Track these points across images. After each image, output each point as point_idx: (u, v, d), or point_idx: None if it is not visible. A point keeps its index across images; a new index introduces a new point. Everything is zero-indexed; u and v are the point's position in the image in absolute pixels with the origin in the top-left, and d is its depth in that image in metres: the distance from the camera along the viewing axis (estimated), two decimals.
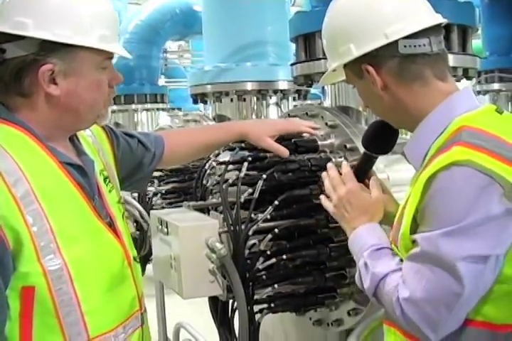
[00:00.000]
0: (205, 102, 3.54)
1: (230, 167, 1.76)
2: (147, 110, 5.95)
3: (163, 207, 2.74)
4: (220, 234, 1.63)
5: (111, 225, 1.35)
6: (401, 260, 1.26)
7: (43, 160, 1.24)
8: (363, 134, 1.52)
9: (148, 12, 5.84)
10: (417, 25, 1.26)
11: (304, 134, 1.86)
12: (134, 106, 5.83)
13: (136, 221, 2.68)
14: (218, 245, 1.57)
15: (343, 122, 1.85)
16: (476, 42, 2.22)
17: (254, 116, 3.31)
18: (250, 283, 1.65)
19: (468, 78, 2.01)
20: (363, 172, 1.47)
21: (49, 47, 1.22)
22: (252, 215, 1.66)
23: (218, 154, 1.91)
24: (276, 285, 1.71)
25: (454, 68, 1.87)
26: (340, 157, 1.80)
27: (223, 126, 2.07)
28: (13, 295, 1.17)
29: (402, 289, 1.18)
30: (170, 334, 3.08)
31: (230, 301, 1.75)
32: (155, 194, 2.85)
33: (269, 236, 1.66)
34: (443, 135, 1.22)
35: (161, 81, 7.23)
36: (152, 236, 1.83)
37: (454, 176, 1.11)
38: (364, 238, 1.36)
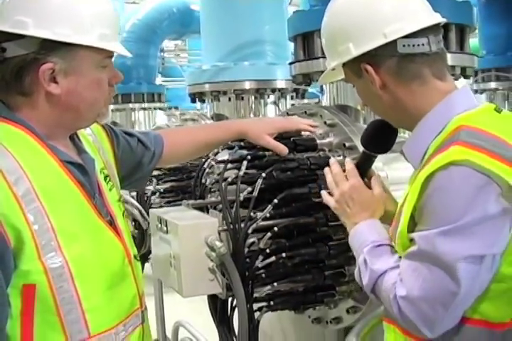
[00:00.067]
0: (203, 101, 3.55)
1: (229, 165, 1.77)
2: (144, 109, 5.97)
3: (161, 206, 2.74)
4: (219, 233, 1.63)
5: (111, 223, 1.36)
6: (400, 257, 1.27)
7: (43, 158, 1.25)
8: (362, 133, 1.52)
9: (146, 11, 5.85)
10: (415, 24, 1.27)
11: (303, 133, 1.86)
12: (131, 105, 5.85)
13: (134, 220, 2.68)
14: (218, 243, 1.57)
15: (342, 121, 1.85)
16: (473, 41, 2.23)
17: (252, 115, 3.32)
18: (250, 282, 1.65)
19: (466, 77, 2.02)
20: (362, 171, 1.47)
21: (49, 46, 1.22)
22: (252, 214, 1.66)
23: (217, 153, 1.91)
24: (275, 284, 1.71)
25: (452, 67, 1.88)
26: (339, 155, 1.80)
27: (222, 124, 2.07)
28: (14, 293, 1.17)
29: (399, 287, 1.19)
30: (168, 333, 3.09)
31: (230, 299, 1.76)
32: (153, 193, 2.85)
33: (269, 234, 1.66)
34: (441, 134, 1.23)
35: (158, 80, 7.23)
36: (151, 235, 1.84)
37: (452, 176, 1.12)
38: (364, 234, 1.36)
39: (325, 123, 1.88)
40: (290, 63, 2.19)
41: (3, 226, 1.13)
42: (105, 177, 1.43)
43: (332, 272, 1.79)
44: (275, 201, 1.67)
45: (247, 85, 3.25)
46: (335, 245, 1.76)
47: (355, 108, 2.00)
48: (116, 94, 1.42)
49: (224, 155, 1.87)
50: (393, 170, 1.76)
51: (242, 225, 1.64)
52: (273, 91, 3.33)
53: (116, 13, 1.37)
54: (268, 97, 3.35)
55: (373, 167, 1.53)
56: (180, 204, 1.86)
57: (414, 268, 1.18)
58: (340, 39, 1.33)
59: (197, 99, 3.52)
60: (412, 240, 1.20)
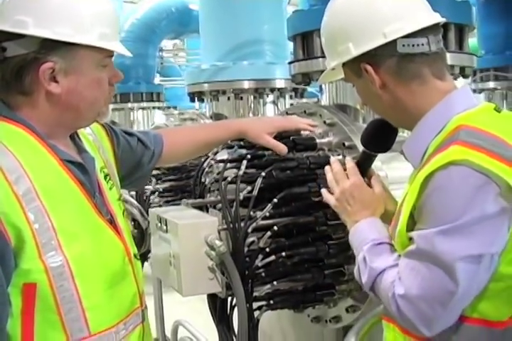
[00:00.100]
0: (202, 101, 3.55)
1: (229, 165, 1.77)
2: (143, 108, 5.97)
3: (160, 206, 2.75)
4: (219, 232, 1.63)
5: (111, 222, 1.36)
6: (399, 256, 1.27)
7: (44, 157, 1.25)
8: (361, 132, 1.53)
9: (144, 11, 5.85)
10: (415, 24, 1.27)
11: (302, 132, 1.87)
12: (130, 105, 5.85)
13: (133, 219, 2.68)
14: (218, 242, 1.58)
15: (341, 120, 1.85)
16: (472, 41, 2.23)
17: (251, 115, 3.32)
18: (249, 281, 1.66)
19: (465, 76, 2.03)
20: (362, 171, 1.47)
21: (49, 46, 1.22)
22: (251, 213, 1.67)
23: (217, 152, 1.92)
24: (275, 283, 1.72)
25: (451, 66, 1.89)
26: (339, 155, 1.80)
27: (222, 124, 2.07)
28: (15, 292, 1.17)
29: (397, 286, 1.20)
30: (168, 333, 3.09)
31: (229, 298, 1.76)
32: (152, 192, 2.85)
33: (268, 233, 1.67)
34: (441, 133, 1.23)
35: (157, 80, 7.23)
36: (151, 234, 1.84)
37: (451, 175, 1.12)
38: (365, 232, 1.37)
39: (324, 122, 1.89)
40: (289, 62, 2.20)
41: (3, 225, 1.13)
42: (105, 177, 1.43)
43: (331, 271, 1.79)
44: (275, 200, 1.68)
45: (246, 85, 3.25)
46: (334, 244, 1.76)
47: (354, 107, 2.01)
48: (114, 94, 1.42)
49: (223, 155, 1.87)
50: (392, 169, 1.76)
51: (242, 224, 1.64)
52: (272, 90, 3.33)
53: (116, 12, 1.37)
54: (267, 97, 3.35)
55: (373, 166, 1.54)
56: (179, 204, 1.86)
57: (412, 267, 1.18)
58: (340, 39, 1.33)
59: (196, 99, 3.52)
60: (411, 239, 1.20)
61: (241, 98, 3.27)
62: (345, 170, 1.47)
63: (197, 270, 1.61)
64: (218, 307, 1.82)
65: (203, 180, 1.92)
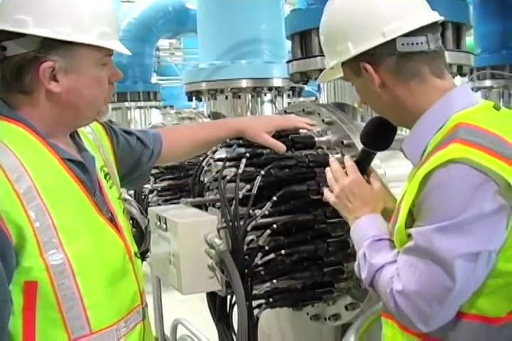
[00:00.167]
0: (199, 100, 3.55)
1: (227, 163, 1.77)
2: (140, 108, 5.96)
3: (159, 204, 2.75)
4: (218, 230, 1.63)
5: (112, 220, 1.36)
6: (399, 252, 1.28)
7: (44, 156, 1.25)
8: (360, 131, 1.53)
9: (141, 10, 5.85)
10: (414, 23, 1.27)
11: (301, 131, 1.87)
12: (127, 104, 5.84)
13: (132, 218, 2.68)
14: (217, 241, 1.58)
15: (340, 119, 1.86)
16: (468, 40, 2.24)
17: (249, 114, 3.32)
18: (249, 279, 1.66)
19: (462, 75, 2.04)
20: (361, 169, 1.48)
21: (49, 45, 1.23)
22: (251, 211, 1.67)
23: (215, 151, 1.92)
24: (274, 281, 1.72)
25: (449, 65, 1.89)
26: (337, 153, 1.81)
27: (220, 122, 2.08)
28: (16, 290, 1.18)
29: (396, 282, 1.20)
30: (167, 331, 3.09)
31: (229, 296, 1.76)
32: (151, 191, 2.86)
33: (268, 231, 1.67)
34: (441, 131, 1.23)
35: (153, 79, 7.23)
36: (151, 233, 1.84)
37: (450, 173, 1.12)
38: (365, 228, 1.37)
39: (323, 121, 1.89)
40: (288, 61, 2.20)
41: (4, 223, 1.13)
42: (105, 175, 1.43)
43: (330, 269, 1.80)
44: (274, 198, 1.68)
45: (244, 83, 3.26)
46: (333, 242, 1.77)
47: (352, 106, 2.01)
48: None
49: (222, 154, 1.87)
50: (391, 167, 1.77)
51: (241, 223, 1.65)
52: (270, 89, 3.33)
53: (115, 11, 1.37)
54: (265, 95, 3.35)
55: (372, 164, 1.54)
56: (177, 203, 1.87)
57: (411, 263, 1.19)
58: (339, 38, 1.33)
59: (194, 98, 3.52)
60: (409, 236, 1.21)
61: (239, 97, 3.28)
62: (344, 168, 1.47)
63: (196, 268, 1.62)
64: (218, 306, 1.82)
65: (201, 178, 1.92)
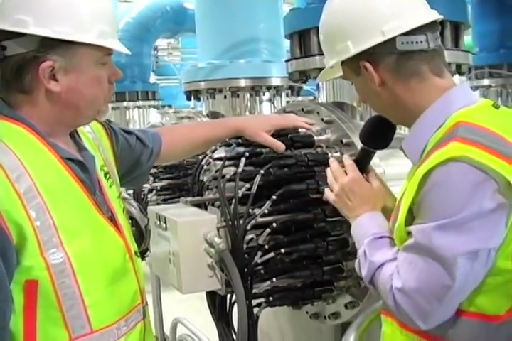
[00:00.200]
0: (198, 99, 3.55)
1: (227, 163, 1.77)
2: (139, 107, 5.96)
3: (158, 204, 2.75)
4: (218, 229, 1.64)
5: (112, 220, 1.36)
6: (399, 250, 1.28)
7: (44, 155, 1.25)
8: (359, 129, 1.53)
9: (139, 10, 5.85)
10: (413, 22, 1.27)
11: (300, 130, 1.88)
12: (125, 104, 5.84)
13: (131, 217, 2.68)
14: (217, 239, 1.58)
15: (339, 117, 1.86)
16: (466, 39, 2.25)
17: (247, 113, 3.33)
18: (249, 278, 1.66)
19: (461, 74, 2.04)
20: (361, 167, 1.48)
21: (49, 44, 1.23)
22: (250, 210, 1.67)
23: (215, 150, 1.92)
24: (274, 279, 1.73)
25: (448, 64, 1.89)
26: (336, 152, 1.82)
27: (219, 122, 2.08)
28: (17, 289, 1.18)
29: (395, 279, 1.21)
30: (166, 330, 3.09)
31: (228, 295, 1.77)
32: (150, 190, 2.86)
33: (267, 230, 1.67)
34: (440, 130, 1.24)
35: (152, 78, 7.23)
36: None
37: (450, 171, 1.13)
38: (365, 226, 1.38)
39: (322, 120, 1.90)
40: (286, 60, 2.20)
41: (5, 222, 1.13)
42: (105, 174, 1.43)
43: (330, 267, 1.80)
44: (273, 197, 1.68)
45: (243, 83, 3.27)
46: (333, 241, 1.77)
47: (351, 105, 2.02)
48: None
49: (221, 153, 1.88)
50: (390, 166, 1.78)
51: (241, 221, 1.65)
52: (268, 88, 3.34)
53: (114, 10, 1.37)
54: (263, 95, 3.36)
55: (371, 163, 1.55)
56: (176, 202, 1.87)
57: (410, 261, 1.19)
58: (339, 37, 1.34)
59: (192, 97, 3.52)
60: (409, 233, 1.21)
61: (237, 96, 3.28)
62: (343, 167, 1.48)
63: (196, 267, 1.62)
64: (217, 305, 1.82)
65: (201, 178, 1.92)
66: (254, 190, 1.68)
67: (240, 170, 1.72)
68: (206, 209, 1.78)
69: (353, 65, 1.34)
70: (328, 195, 1.48)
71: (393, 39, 1.27)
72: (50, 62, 1.23)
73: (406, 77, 1.29)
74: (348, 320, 1.82)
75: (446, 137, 1.19)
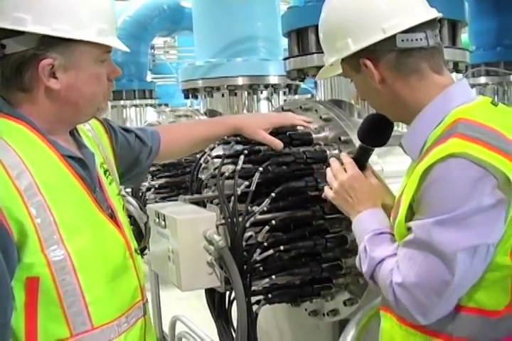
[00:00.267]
0: (196, 97, 3.56)
1: (225, 160, 1.78)
2: (136, 106, 5.95)
3: (156, 202, 2.75)
4: (217, 227, 1.64)
5: (112, 217, 1.37)
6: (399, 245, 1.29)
7: (44, 153, 1.25)
8: (357, 127, 1.54)
9: (136, 8, 5.85)
10: (413, 19, 1.28)
11: (298, 127, 1.88)
12: (122, 102, 5.83)
13: (129, 215, 2.68)
14: (216, 237, 1.59)
15: (337, 115, 1.87)
16: (463, 37, 2.25)
17: (245, 111, 3.33)
18: (248, 275, 1.67)
19: (458, 71, 2.05)
20: (360, 165, 1.49)
21: (48, 42, 1.23)
22: (249, 207, 1.68)
23: (213, 148, 1.93)
24: (273, 277, 1.73)
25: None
26: (335, 149, 1.82)
27: (217, 120, 2.08)
28: (18, 286, 1.18)
29: (395, 274, 1.22)
30: (165, 328, 3.09)
31: (228, 293, 1.77)
32: (148, 188, 2.86)
33: (266, 228, 1.68)
34: (440, 127, 1.24)
35: (148, 77, 7.22)
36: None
37: (450, 167, 1.13)
38: (366, 222, 1.39)
39: (320, 117, 1.90)
40: (284, 59, 2.21)
41: (6, 219, 1.14)
42: (105, 172, 1.44)
43: (329, 264, 1.81)
44: (272, 195, 1.69)
45: (240, 81, 3.27)
46: (332, 238, 1.78)
47: (349, 102, 2.02)
48: None
49: (219, 151, 1.88)
50: (388, 163, 1.78)
51: (240, 219, 1.65)
52: (266, 86, 3.35)
53: (112, 7, 1.38)
54: (261, 93, 3.37)
55: (369, 160, 1.55)
56: (175, 200, 1.87)
57: (410, 256, 1.20)
58: (339, 35, 1.34)
59: (190, 95, 3.53)
60: (409, 229, 1.22)
61: (235, 94, 3.29)
62: (342, 165, 1.48)
63: (196, 265, 1.62)
64: (217, 302, 1.83)
65: (199, 176, 1.92)
66: (253, 188, 1.69)
67: (238, 167, 1.72)
68: (205, 206, 1.79)
69: (352, 62, 1.34)
70: (327, 192, 1.49)
71: (393, 36, 1.27)
72: (49, 60, 1.23)
73: (406, 74, 1.29)
74: (347, 317, 1.83)
75: (446, 134, 1.19)
